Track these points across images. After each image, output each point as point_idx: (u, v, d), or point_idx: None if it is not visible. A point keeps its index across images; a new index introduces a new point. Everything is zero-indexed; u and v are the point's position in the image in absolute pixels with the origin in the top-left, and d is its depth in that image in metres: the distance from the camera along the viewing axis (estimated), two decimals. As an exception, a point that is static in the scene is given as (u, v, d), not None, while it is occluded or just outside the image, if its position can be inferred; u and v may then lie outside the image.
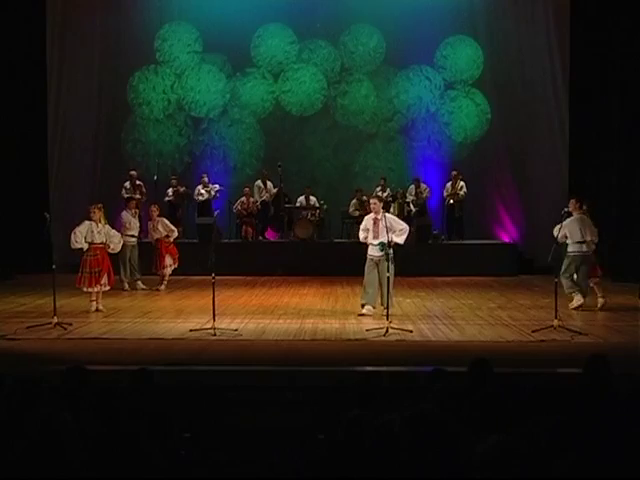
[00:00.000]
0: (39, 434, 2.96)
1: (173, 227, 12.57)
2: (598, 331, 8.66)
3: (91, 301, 10.20)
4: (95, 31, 15.95)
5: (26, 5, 14.72)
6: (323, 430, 4.31)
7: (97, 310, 10.14)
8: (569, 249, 10.12)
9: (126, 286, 12.23)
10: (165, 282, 12.38)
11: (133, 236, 12.40)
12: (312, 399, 6.15)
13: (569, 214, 9.49)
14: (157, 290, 12.20)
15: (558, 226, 9.66)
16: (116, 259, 11.43)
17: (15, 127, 14.42)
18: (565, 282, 10.07)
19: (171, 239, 12.44)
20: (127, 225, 12.28)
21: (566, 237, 9.95)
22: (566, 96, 15.17)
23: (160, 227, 12.41)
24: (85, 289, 10.17)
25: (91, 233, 10.18)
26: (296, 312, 10.15)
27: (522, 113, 15.90)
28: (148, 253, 12.54)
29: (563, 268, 9.99)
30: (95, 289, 10.15)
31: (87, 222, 10.25)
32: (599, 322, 9.32)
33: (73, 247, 10.20)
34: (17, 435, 3.09)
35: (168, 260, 12.31)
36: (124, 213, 12.50)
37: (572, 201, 10.28)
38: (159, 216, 12.60)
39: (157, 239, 12.40)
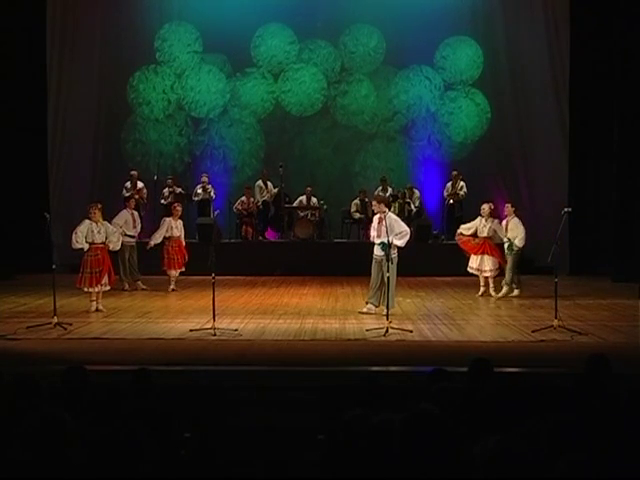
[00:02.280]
0: (39, 434, 2.96)
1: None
2: (598, 331, 8.66)
3: (91, 301, 10.20)
4: (95, 31, 15.94)
5: (26, 5, 14.71)
6: (323, 430, 4.31)
7: (97, 310, 10.15)
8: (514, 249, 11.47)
9: (126, 286, 12.22)
10: (174, 282, 12.23)
11: (132, 236, 12.38)
12: (312, 399, 6.15)
13: (569, 214, 9.51)
14: (173, 290, 12.07)
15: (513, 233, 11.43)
16: (116, 259, 11.43)
17: (15, 127, 14.41)
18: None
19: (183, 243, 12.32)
20: (125, 224, 12.23)
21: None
22: (566, 96, 15.16)
23: (181, 226, 12.27)
24: (86, 289, 10.17)
25: (91, 233, 10.18)
26: (296, 312, 10.15)
27: (522, 113, 15.90)
28: (155, 252, 12.34)
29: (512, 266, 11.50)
30: (96, 289, 10.16)
31: (87, 222, 10.23)
32: (599, 322, 9.32)
33: (74, 247, 10.19)
34: (17, 435, 3.09)
35: (182, 261, 12.13)
36: (123, 212, 12.47)
37: (508, 205, 11.87)
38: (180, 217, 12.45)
39: (170, 237, 12.11)
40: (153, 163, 16.21)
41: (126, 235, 12.17)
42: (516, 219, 11.62)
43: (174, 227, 12.20)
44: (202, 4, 16.47)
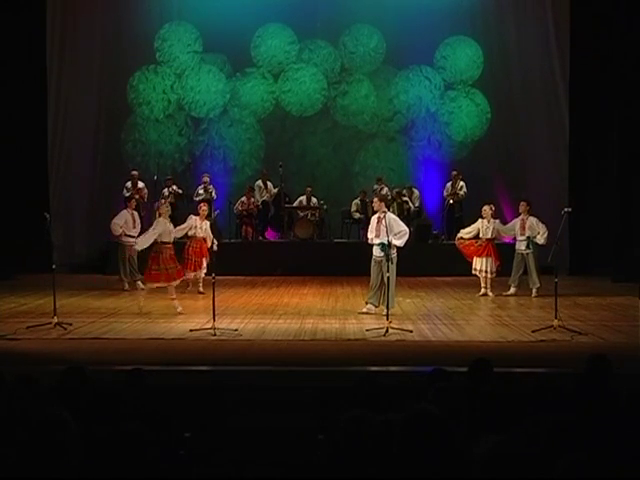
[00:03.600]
0: (39, 434, 2.96)
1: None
2: (598, 331, 8.66)
3: (172, 299, 10.10)
4: (95, 31, 15.94)
5: (26, 5, 14.72)
6: (323, 430, 4.31)
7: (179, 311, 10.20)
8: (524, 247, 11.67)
9: (126, 286, 12.21)
10: (201, 283, 11.84)
11: (132, 236, 12.30)
12: (312, 399, 6.15)
13: (569, 214, 9.52)
14: (201, 293, 11.74)
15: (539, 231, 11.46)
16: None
17: (15, 127, 14.41)
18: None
19: (208, 244, 11.58)
20: (125, 224, 12.19)
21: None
22: (566, 96, 15.17)
23: (206, 228, 11.76)
24: (157, 285, 10.12)
25: (168, 233, 10.07)
26: (296, 312, 10.15)
27: (522, 113, 15.91)
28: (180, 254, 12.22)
29: (535, 265, 11.53)
30: (171, 283, 10.23)
31: (162, 220, 10.06)
32: (599, 322, 9.32)
33: (141, 247, 10.06)
34: (17, 435, 3.09)
35: (204, 262, 11.71)
36: (124, 212, 12.44)
37: (523, 204, 11.76)
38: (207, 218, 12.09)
39: (192, 237, 11.73)
40: (153, 163, 16.20)
41: (126, 235, 12.16)
42: (533, 217, 11.64)
43: (197, 227, 11.78)
44: (202, 4, 16.47)
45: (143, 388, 4.68)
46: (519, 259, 11.71)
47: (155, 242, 10.04)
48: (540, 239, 11.43)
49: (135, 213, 12.68)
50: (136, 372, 4.82)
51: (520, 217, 11.75)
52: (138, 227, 12.49)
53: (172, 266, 10.10)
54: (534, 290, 11.57)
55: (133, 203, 12.74)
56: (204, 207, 12.12)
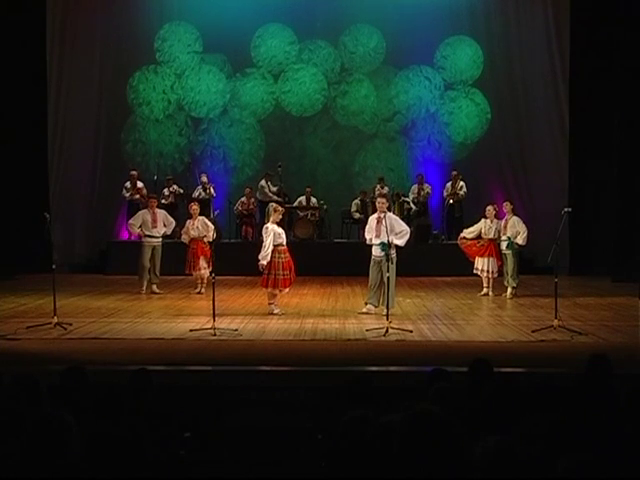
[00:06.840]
0: (39, 434, 2.96)
1: (212, 225, 11.83)
2: (598, 331, 8.66)
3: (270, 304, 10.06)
4: (95, 31, 15.94)
5: (26, 5, 14.72)
6: (322, 430, 4.31)
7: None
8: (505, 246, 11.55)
9: (143, 290, 11.96)
10: (204, 284, 11.81)
11: (152, 236, 12.03)
12: (312, 399, 6.15)
13: (569, 214, 9.51)
14: (199, 294, 11.77)
15: (518, 230, 11.39)
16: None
17: (15, 127, 14.41)
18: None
19: (207, 239, 11.51)
20: (144, 225, 12.02)
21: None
22: (566, 96, 15.17)
23: (200, 226, 11.81)
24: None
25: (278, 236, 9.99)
26: (296, 312, 10.14)
27: (522, 113, 15.91)
28: (180, 254, 12.22)
29: (514, 266, 11.45)
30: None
31: (270, 226, 9.94)
32: (599, 322, 9.32)
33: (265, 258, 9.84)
34: (17, 435, 3.09)
35: (202, 262, 11.72)
36: (140, 212, 12.31)
37: (507, 203, 11.80)
38: (200, 215, 12.08)
39: (192, 239, 11.85)
40: (153, 163, 16.23)
41: (146, 235, 12.00)
42: (516, 217, 11.62)
43: (190, 228, 11.88)
44: (202, 4, 16.47)
45: (150, 388, 4.68)
46: (505, 259, 11.68)
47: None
48: (519, 239, 11.41)
49: (159, 212, 12.31)
50: (142, 372, 4.81)
51: (505, 217, 11.74)
52: (161, 227, 12.15)
53: (282, 273, 9.87)
54: (509, 290, 11.51)
55: (154, 203, 12.35)
56: (194, 206, 12.19)
